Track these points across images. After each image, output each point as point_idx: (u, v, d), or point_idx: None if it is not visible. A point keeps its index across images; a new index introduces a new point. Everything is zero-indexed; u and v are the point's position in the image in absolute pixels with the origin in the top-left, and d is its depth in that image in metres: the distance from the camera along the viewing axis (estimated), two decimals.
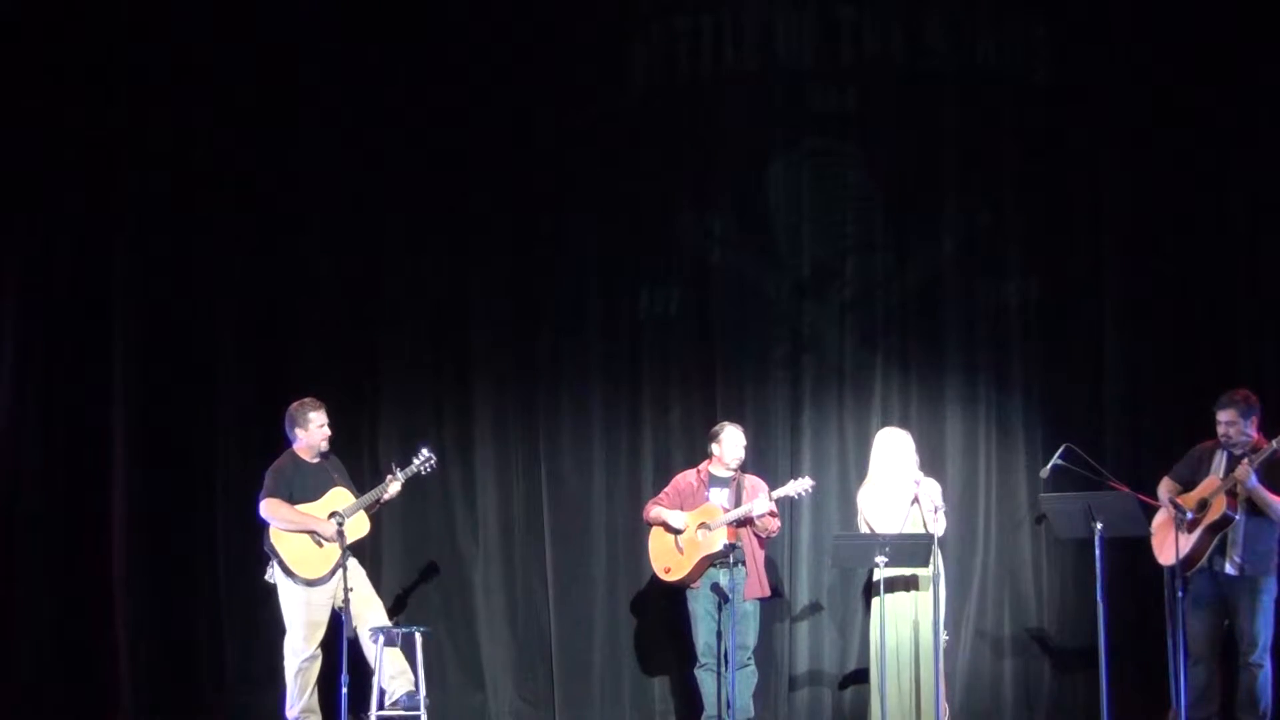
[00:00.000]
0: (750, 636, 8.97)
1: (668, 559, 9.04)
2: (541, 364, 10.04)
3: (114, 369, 9.93)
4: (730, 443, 9.08)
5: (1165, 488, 8.58)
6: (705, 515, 8.97)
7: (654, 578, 9.22)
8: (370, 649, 8.84)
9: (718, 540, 8.85)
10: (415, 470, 9.06)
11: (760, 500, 8.90)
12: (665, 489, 9.22)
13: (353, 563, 8.85)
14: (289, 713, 8.87)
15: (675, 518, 8.98)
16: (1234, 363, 9.50)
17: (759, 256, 9.99)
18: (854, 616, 9.58)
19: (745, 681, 8.91)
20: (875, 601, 8.69)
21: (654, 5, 10.04)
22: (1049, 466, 8.61)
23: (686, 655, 9.19)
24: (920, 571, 8.64)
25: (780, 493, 8.93)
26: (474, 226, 10.09)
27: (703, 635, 8.99)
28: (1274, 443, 8.24)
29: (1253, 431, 8.44)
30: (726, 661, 8.82)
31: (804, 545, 9.72)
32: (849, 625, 9.64)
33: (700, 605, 9.00)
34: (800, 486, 8.91)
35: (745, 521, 8.92)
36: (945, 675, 8.71)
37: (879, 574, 8.52)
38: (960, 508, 9.55)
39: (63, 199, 10.01)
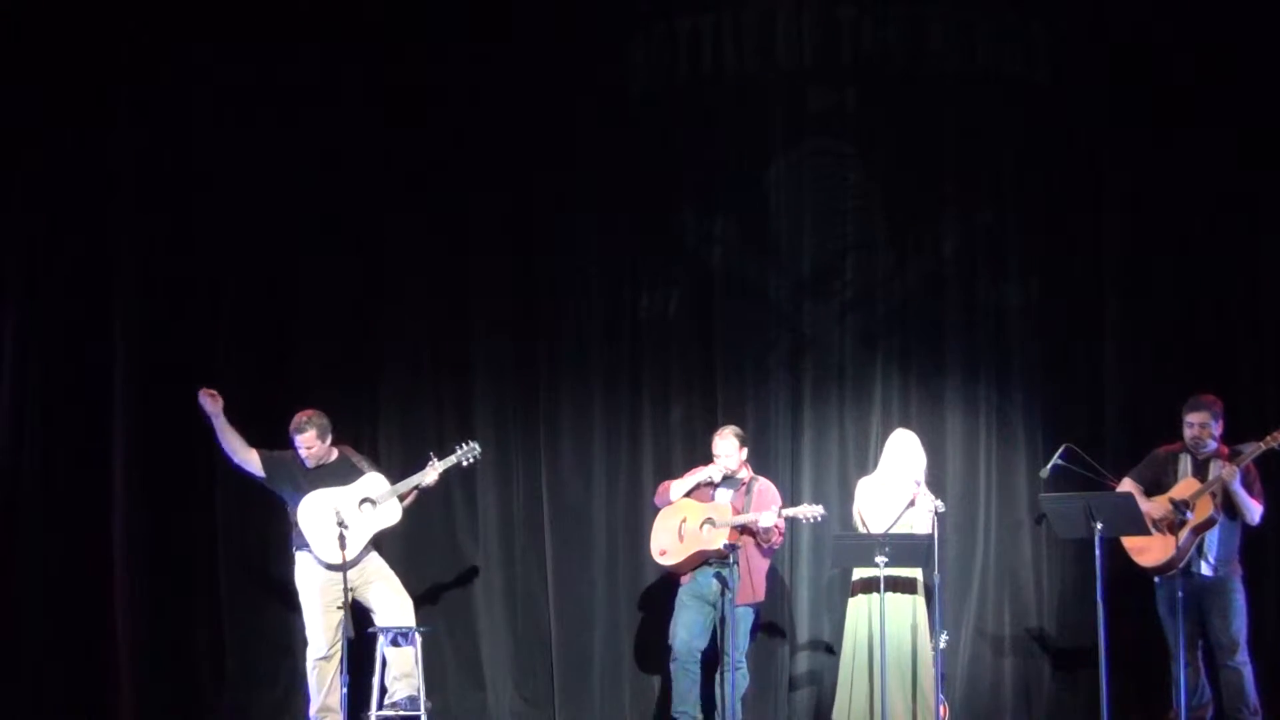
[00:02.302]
0: (741, 640, 8.92)
1: (666, 541, 9.01)
2: (541, 364, 10.04)
3: (114, 369, 9.89)
4: (720, 448, 9.03)
5: (1133, 490, 8.55)
6: (715, 512, 8.94)
7: (653, 577, 9.21)
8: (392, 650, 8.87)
9: (718, 539, 8.83)
10: (457, 460, 9.02)
11: (768, 514, 8.85)
12: (683, 475, 9.19)
13: (376, 560, 8.94)
14: (310, 711, 8.87)
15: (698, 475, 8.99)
16: (1234, 363, 9.52)
17: (759, 256, 9.99)
18: None
19: (735, 685, 8.86)
20: (850, 601, 8.76)
21: (654, 5, 10.03)
22: (1049, 467, 8.61)
23: None
24: (918, 574, 8.64)
25: (790, 512, 8.90)
26: (474, 226, 10.09)
27: (681, 629, 8.96)
28: (1266, 440, 8.27)
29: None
30: (714, 664, 8.81)
31: (804, 545, 9.71)
32: None
33: (687, 594, 8.97)
34: (811, 512, 8.85)
35: (750, 529, 8.91)
36: (942, 676, 8.69)
37: (858, 573, 8.60)
38: (960, 508, 9.56)
39: (62, 199, 9.99)
